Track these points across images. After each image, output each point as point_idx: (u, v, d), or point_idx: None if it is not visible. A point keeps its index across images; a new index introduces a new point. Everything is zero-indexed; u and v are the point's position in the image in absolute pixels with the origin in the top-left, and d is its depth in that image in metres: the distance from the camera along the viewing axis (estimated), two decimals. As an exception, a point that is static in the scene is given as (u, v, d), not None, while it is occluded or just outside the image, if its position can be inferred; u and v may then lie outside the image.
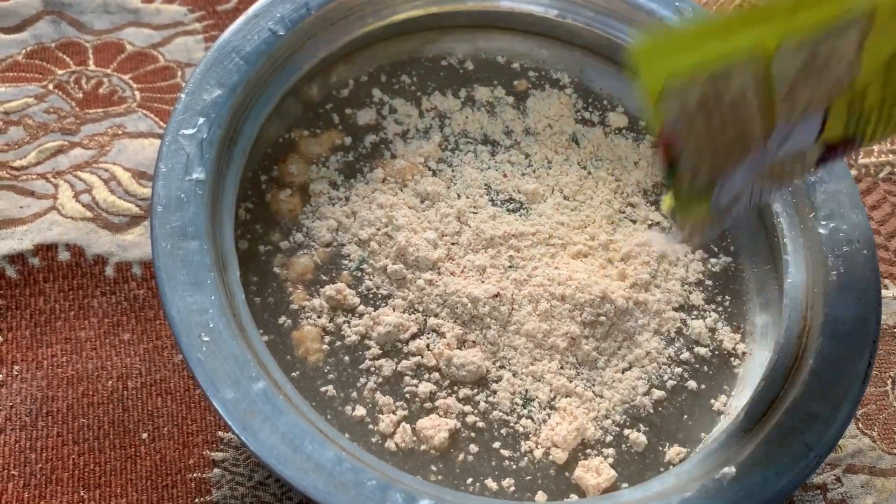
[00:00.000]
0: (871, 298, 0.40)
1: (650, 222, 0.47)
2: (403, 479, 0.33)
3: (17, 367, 0.44)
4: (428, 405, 0.40)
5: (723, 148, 0.32)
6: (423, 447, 0.38)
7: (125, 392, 0.44)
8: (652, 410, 0.41)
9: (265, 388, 0.33)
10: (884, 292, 0.54)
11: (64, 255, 0.47)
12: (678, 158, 0.31)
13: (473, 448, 0.39)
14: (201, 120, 0.39)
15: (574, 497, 0.38)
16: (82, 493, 0.41)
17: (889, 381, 0.51)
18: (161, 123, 0.53)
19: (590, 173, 0.49)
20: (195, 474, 0.42)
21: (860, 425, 0.49)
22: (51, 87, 0.53)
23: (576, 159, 0.49)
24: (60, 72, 0.54)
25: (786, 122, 0.32)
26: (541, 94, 0.51)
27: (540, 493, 0.38)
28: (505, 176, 0.47)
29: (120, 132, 0.52)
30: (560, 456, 0.39)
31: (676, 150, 0.31)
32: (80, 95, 0.53)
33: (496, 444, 0.39)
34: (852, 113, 0.34)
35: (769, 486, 0.34)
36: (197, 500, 0.41)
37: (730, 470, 0.34)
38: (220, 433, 0.43)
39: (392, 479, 0.33)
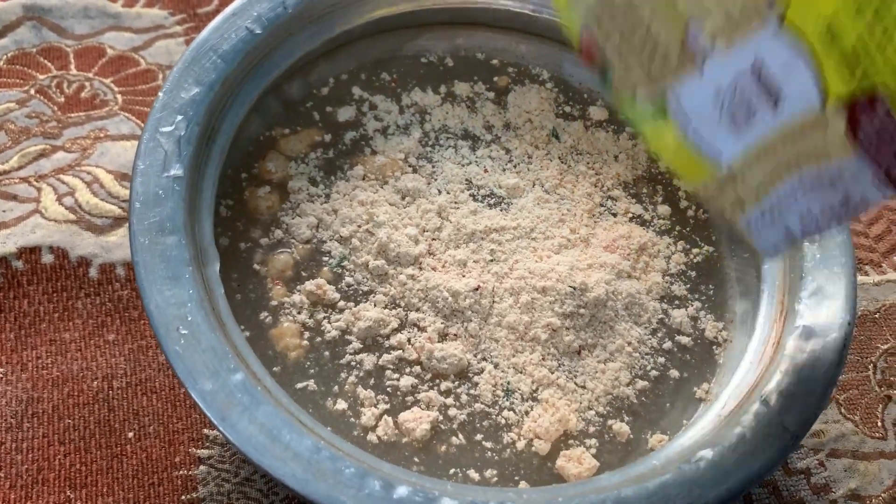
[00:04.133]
0: (846, 282, 0.40)
1: (631, 215, 0.48)
2: (382, 468, 0.34)
3: (1, 370, 0.44)
4: (409, 398, 0.40)
5: (647, 56, 0.32)
6: (405, 440, 0.38)
7: (110, 392, 0.44)
8: (635, 400, 0.41)
9: (243, 379, 0.33)
10: (864, 278, 0.54)
11: (48, 258, 0.47)
12: (604, 65, 0.31)
13: (455, 440, 0.39)
14: (179, 118, 0.39)
15: None
16: (69, 493, 0.41)
17: (871, 367, 0.51)
18: (143, 126, 0.53)
19: (570, 167, 0.49)
20: (181, 472, 0.42)
21: (843, 410, 0.49)
22: (32, 91, 0.54)
23: (556, 153, 0.49)
24: (42, 77, 0.55)
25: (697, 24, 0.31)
26: (521, 89, 0.51)
27: (522, 483, 0.38)
28: (485, 171, 0.48)
29: (102, 135, 0.52)
30: (543, 447, 0.39)
31: (596, 54, 0.31)
32: (62, 100, 0.54)
33: (478, 436, 0.39)
34: (843, 56, 0.29)
35: (746, 467, 0.34)
36: (183, 497, 0.41)
37: (706, 452, 0.35)
38: (205, 430, 0.43)
39: (370, 468, 0.33)
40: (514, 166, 0.48)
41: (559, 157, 0.49)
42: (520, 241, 0.45)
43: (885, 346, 0.52)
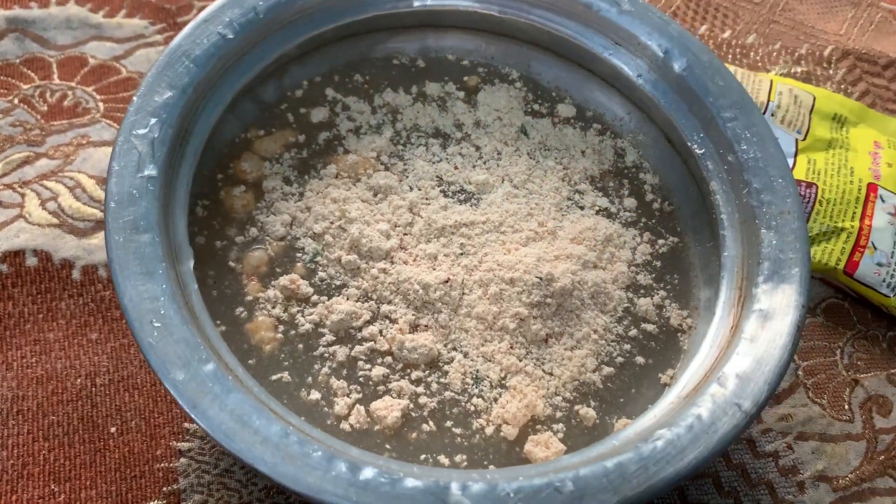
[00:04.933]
0: (801, 267, 0.41)
1: (597, 208, 0.49)
2: (351, 452, 0.35)
3: (-13, 369, 0.45)
4: (381, 388, 0.41)
5: None
6: (376, 427, 0.40)
7: (93, 389, 0.45)
8: (601, 386, 0.43)
9: (214, 369, 0.35)
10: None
11: (31, 261, 0.49)
12: None
13: (426, 427, 0.40)
14: (153, 120, 0.40)
15: None
16: (53, 487, 0.42)
17: (838, 352, 0.53)
18: (124, 132, 0.55)
19: (538, 163, 0.50)
20: (162, 464, 0.43)
21: (810, 394, 0.51)
22: (16, 101, 0.55)
23: (525, 150, 0.51)
24: (25, 86, 0.56)
25: None
26: (490, 88, 0.53)
27: (491, 467, 0.39)
28: (456, 168, 0.49)
29: (84, 142, 0.54)
30: (511, 432, 0.40)
31: None
32: (45, 108, 0.55)
33: (448, 423, 0.41)
34: None
35: (701, 445, 0.36)
36: (164, 488, 0.43)
37: (663, 432, 0.36)
38: (185, 424, 0.45)
39: (338, 451, 0.34)
40: (484, 163, 0.50)
41: (528, 154, 0.50)
42: (489, 235, 0.46)
43: (852, 332, 0.54)
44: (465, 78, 0.53)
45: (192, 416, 0.33)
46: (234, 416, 0.34)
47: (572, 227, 0.47)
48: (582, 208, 0.49)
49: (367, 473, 0.33)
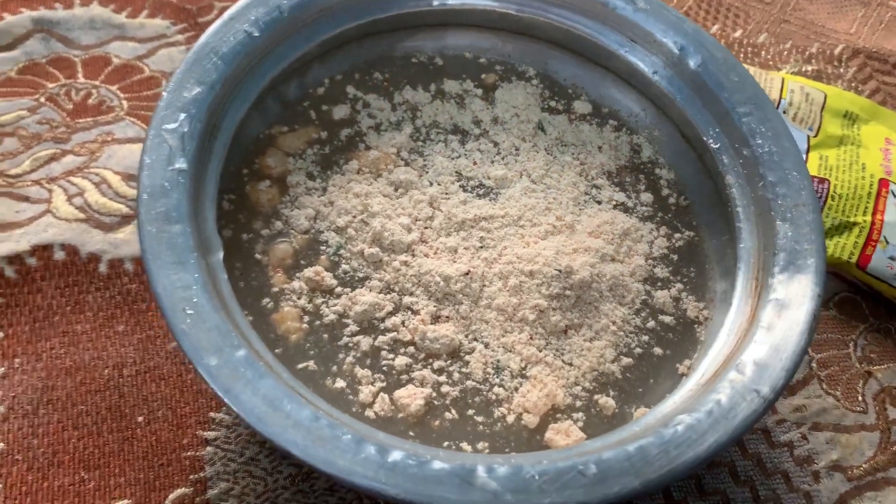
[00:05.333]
0: (816, 257, 0.42)
1: (614, 203, 0.50)
2: (377, 436, 0.36)
3: (17, 361, 0.46)
4: (404, 377, 0.42)
5: None
6: (400, 415, 0.40)
7: (121, 380, 0.46)
8: (620, 376, 0.43)
9: (246, 355, 0.35)
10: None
11: (59, 255, 0.50)
12: None
13: (448, 415, 0.41)
14: (182, 115, 0.41)
15: None
16: (83, 474, 0.43)
17: (851, 344, 0.53)
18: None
19: (555, 158, 0.51)
20: (189, 453, 0.44)
21: (824, 386, 0.51)
22: (42, 99, 0.56)
23: (542, 146, 0.51)
24: (51, 85, 0.57)
25: None
26: (508, 85, 0.54)
27: (513, 454, 0.40)
28: (475, 163, 0.50)
29: (109, 139, 0.55)
30: (532, 420, 0.41)
31: None
32: (71, 106, 0.56)
33: (470, 411, 0.41)
34: None
35: (721, 429, 0.36)
36: (191, 476, 0.44)
37: (684, 417, 0.37)
38: (211, 414, 0.46)
39: (366, 434, 0.35)
40: (502, 158, 0.51)
41: (545, 149, 0.51)
42: (508, 229, 0.47)
43: (865, 325, 0.54)
44: (483, 76, 0.54)
45: (226, 400, 0.34)
46: (266, 400, 0.34)
47: (590, 221, 0.48)
48: (599, 203, 0.50)
49: (396, 456, 0.34)
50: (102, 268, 0.50)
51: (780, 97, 0.60)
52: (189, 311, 0.36)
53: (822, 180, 0.56)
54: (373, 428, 0.37)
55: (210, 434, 0.45)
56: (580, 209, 0.49)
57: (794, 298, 0.41)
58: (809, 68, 0.67)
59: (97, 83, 0.58)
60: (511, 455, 0.36)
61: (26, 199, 0.52)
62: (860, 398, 0.51)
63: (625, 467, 0.35)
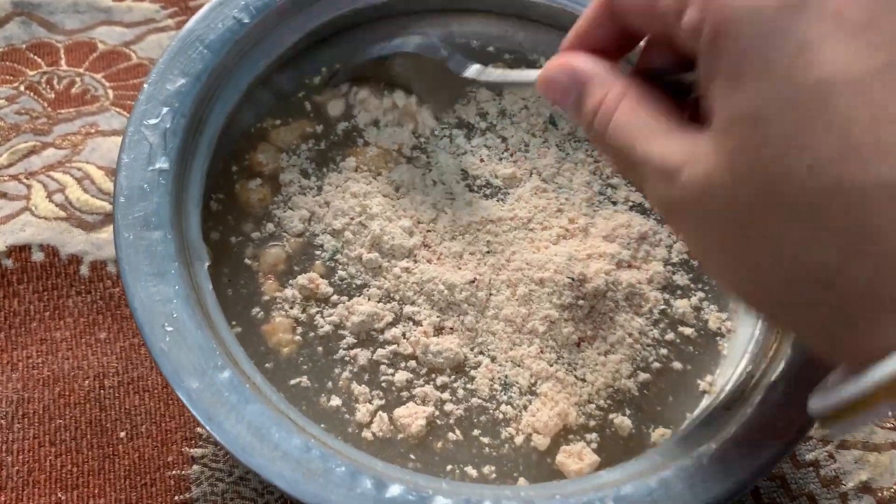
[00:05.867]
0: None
1: (631, 203, 0.46)
2: (375, 466, 0.33)
3: (-9, 370, 0.43)
4: (405, 394, 0.39)
5: None
6: (400, 436, 0.38)
7: (102, 391, 0.43)
8: (637, 393, 0.40)
9: (231, 377, 0.32)
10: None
11: (38, 256, 0.47)
12: None
13: (452, 436, 0.38)
14: (164, 109, 0.38)
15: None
16: (60, 495, 0.40)
17: (881, 357, 0.50)
18: (134, 120, 0.53)
19: (568, 155, 0.48)
20: (174, 472, 0.41)
21: (853, 402, 0.48)
22: (22, 88, 0.53)
23: (554, 141, 0.48)
24: (31, 73, 0.54)
25: None
26: (517, 77, 0.50)
27: (521, 479, 0.37)
28: (481, 160, 0.47)
29: (93, 131, 0.52)
30: (542, 442, 0.38)
31: None
32: (52, 96, 0.53)
33: (476, 432, 0.38)
34: None
35: (751, 460, 0.33)
36: (177, 497, 0.41)
37: (709, 448, 0.34)
38: (198, 429, 0.43)
39: (363, 466, 0.32)
40: (511, 155, 0.47)
41: (556, 145, 0.48)
42: (517, 232, 0.44)
43: None
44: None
45: (208, 428, 0.31)
46: (251, 428, 0.32)
47: (605, 224, 0.45)
48: (615, 203, 0.46)
49: (394, 491, 0.31)
50: (84, 270, 0.47)
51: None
52: (168, 328, 0.33)
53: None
54: (369, 455, 0.34)
55: (197, 451, 0.42)
56: (594, 210, 0.46)
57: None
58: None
59: (81, 71, 0.55)
60: (520, 487, 0.33)
61: (3, 195, 0.49)
62: (891, 413, 0.48)
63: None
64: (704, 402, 0.40)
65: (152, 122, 0.38)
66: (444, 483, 0.33)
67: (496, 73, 0.42)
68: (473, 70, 0.43)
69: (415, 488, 0.31)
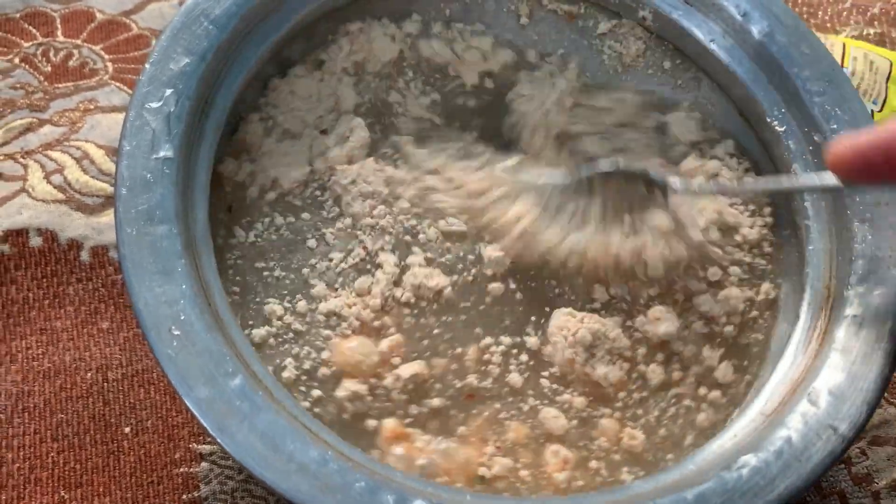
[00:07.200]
0: (901, 266, 0.37)
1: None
2: (395, 478, 0.31)
3: (-11, 362, 0.42)
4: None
5: None
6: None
7: (105, 384, 0.42)
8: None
9: (242, 384, 0.30)
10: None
11: (36, 241, 0.45)
12: None
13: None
14: (168, 91, 0.36)
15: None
16: (63, 494, 0.39)
17: (916, 349, 0.48)
18: (134, 97, 0.50)
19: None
20: (182, 469, 0.40)
21: (886, 394, 0.46)
22: (17, 60, 0.51)
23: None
24: (26, 44, 0.52)
25: None
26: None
27: (549, 500, 0.35)
28: None
29: (92, 107, 0.50)
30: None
31: None
32: (49, 69, 0.51)
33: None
34: None
35: (793, 474, 0.32)
36: (184, 496, 0.39)
37: (749, 458, 0.32)
38: (206, 425, 0.41)
39: (383, 478, 0.30)
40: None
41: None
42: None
43: (931, 326, 0.49)
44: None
45: (219, 440, 0.29)
46: (265, 439, 0.30)
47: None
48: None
49: (417, 507, 0.29)
50: (84, 256, 0.45)
51: (842, 65, 0.54)
52: (176, 332, 0.31)
53: (889, 163, 0.50)
54: (389, 466, 0.32)
55: (205, 448, 0.40)
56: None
57: (875, 315, 0.35)
58: (871, 31, 0.61)
59: (79, 42, 0.53)
60: (547, 499, 0.31)
61: (-1, 175, 0.46)
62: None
63: (682, 521, 0.30)
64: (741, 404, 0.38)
65: (155, 105, 0.35)
66: (468, 496, 0.31)
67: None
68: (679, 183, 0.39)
69: (439, 503, 0.30)
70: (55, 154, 0.47)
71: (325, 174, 0.40)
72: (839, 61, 0.54)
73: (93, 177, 0.47)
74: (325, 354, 0.36)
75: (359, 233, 0.39)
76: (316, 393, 0.35)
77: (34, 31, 0.52)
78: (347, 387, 0.35)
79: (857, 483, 0.44)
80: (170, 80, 0.36)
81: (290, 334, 0.36)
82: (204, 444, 0.41)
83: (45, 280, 0.44)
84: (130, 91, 0.50)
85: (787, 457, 0.32)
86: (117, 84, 0.51)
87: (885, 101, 0.54)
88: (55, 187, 0.46)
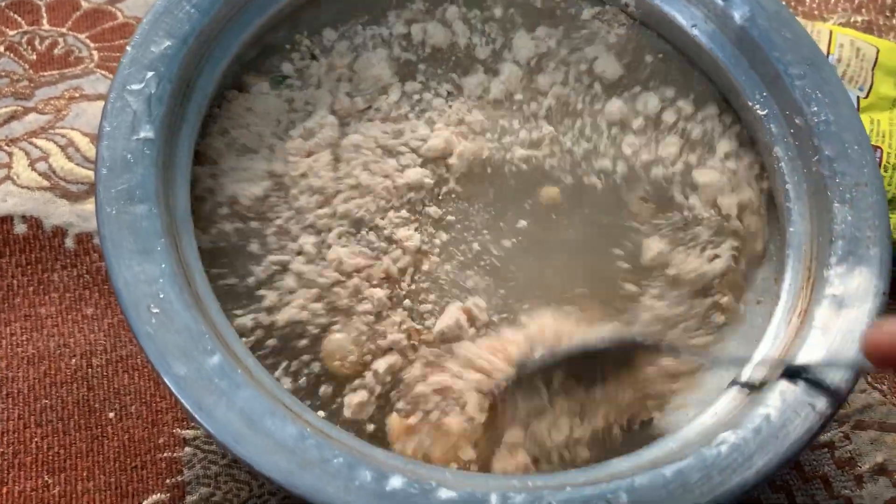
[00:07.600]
0: (880, 247, 0.37)
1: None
2: (375, 454, 0.31)
3: (-27, 348, 0.42)
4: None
5: None
6: None
7: (90, 370, 0.42)
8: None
9: (221, 361, 0.31)
10: None
11: (20, 228, 0.45)
12: None
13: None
14: (149, 74, 0.36)
15: None
16: (47, 478, 0.39)
17: (900, 334, 0.48)
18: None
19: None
20: (166, 454, 0.40)
21: (869, 379, 0.47)
22: (1, 49, 0.51)
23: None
24: (11, 32, 0.52)
25: None
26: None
27: (531, 476, 0.35)
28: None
29: (77, 95, 0.49)
30: None
31: None
32: (34, 57, 0.51)
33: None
34: None
35: (770, 451, 0.32)
36: (168, 480, 0.39)
37: (728, 435, 0.32)
38: (190, 410, 0.41)
39: (362, 456, 0.30)
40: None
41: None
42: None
43: (915, 311, 0.49)
44: None
45: (197, 417, 0.29)
46: (243, 416, 0.30)
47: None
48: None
49: (395, 483, 0.29)
50: (69, 243, 0.45)
51: (828, 52, 0.54)
52: (154, 310, 0.31)
53: (874, 148, 0.50)
54: (367, 443, 0.32)
55: (188, 433, 0.40)
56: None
57: (854, 294, 0.36)
58: (859, 19, 0.61)
59: (64, 31, 0.53)
60: (529, 478, 0.31)
61: (-17, 163, 0.46)
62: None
63: (661, 496, 0.30)
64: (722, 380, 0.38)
65: (136, 87, 0.35)
66: (447, 473, 0.31)
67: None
68: None
69: (416, 479, 0.30)
70: (40, 142, 0.47)
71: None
72: (825, 48, 0.54)
73: (77, 164, 0.47)
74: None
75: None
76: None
77: (19, 19, 0.52)
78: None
79: (841, 467, 0.44)
80: (151, 62, 0.36)
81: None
82: (187, 429, 0.41)
83: (29, 267, 0.44)
84: (116, 79, 0.50)
85: (766, 434, 0.32)
86: (102, 72, 0.51)
87: (871, 88, 0.54)
88: (40, 175, 0.46)
